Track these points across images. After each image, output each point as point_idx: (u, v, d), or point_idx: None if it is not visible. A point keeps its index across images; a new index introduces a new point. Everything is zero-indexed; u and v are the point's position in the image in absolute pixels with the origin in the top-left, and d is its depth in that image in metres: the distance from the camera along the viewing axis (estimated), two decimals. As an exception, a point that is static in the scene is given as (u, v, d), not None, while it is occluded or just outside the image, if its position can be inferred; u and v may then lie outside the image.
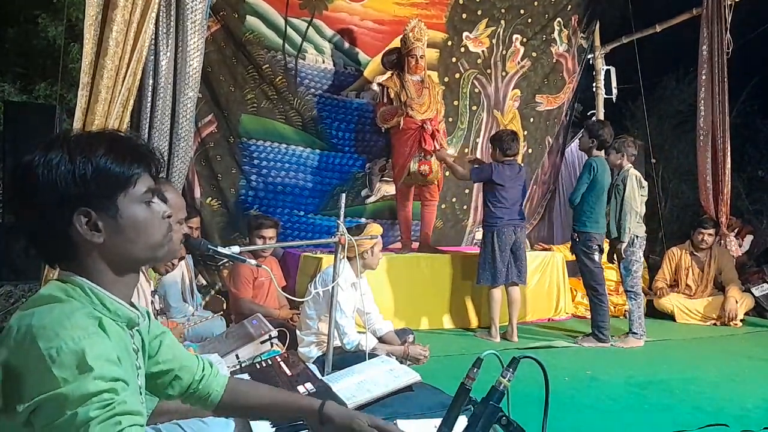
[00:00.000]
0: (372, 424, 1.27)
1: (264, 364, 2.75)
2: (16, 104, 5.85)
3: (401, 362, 3.15)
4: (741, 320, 5.37)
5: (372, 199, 6.18)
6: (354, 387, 2.55)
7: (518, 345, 4.45)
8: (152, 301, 3.57)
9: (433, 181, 5.44)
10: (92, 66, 3.19)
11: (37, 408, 0.91)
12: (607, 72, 7.53)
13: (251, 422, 1.96)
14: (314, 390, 2.42)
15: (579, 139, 4.91)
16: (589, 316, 4.72)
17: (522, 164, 6.80)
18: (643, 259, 4.80)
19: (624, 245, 4.54)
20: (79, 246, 1.05)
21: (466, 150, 6.63)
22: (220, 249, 2.07)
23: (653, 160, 6.59)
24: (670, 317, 5.55)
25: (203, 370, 1.34)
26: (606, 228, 4.62)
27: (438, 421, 1.30)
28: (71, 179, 1.02)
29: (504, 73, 6.80)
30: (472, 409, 1.28)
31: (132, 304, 1.13)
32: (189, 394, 1.33)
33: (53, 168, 1.01)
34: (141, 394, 1.11)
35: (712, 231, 5.67)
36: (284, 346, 3.24)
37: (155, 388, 1.30)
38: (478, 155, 6.61)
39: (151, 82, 3.61)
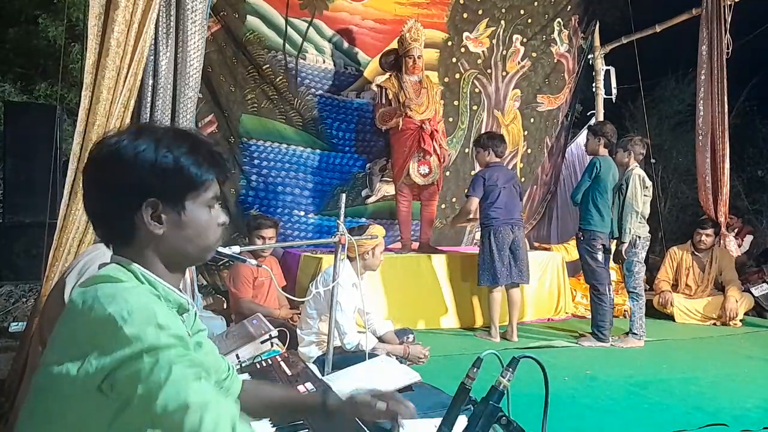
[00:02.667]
0: (375, 396, 1.29)
1: (264, 364, 2.75)
2: (16, 104, 5.85)
3: (401, 362, 3.16)
4: (740, 320, 5.38)
5: (372, 199, 6.19)
6: (354, 387, 2.54)
7: (518, 345, 4.45)
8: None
9: (433, 182, 5.44)
10: (95, 66, 3.19)
11: (117, 368, 0.93)
12: (607, 72, 7.53)
13: (251, 422, 1.97)
14: (314, 390, 2.42)
15: (585, 144, 4.89)
16: (589, 316, 4.73)
17: (521, 165, 6.88)
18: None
19: (625, 246, 4.53)
20: (139, 233, 1.09)
21: (467, 150, 6.64)
22: (220, 249, 2.07)
23: (653, 160, 6.58)
24: (669, 317, 5.55)
25: (227, 371, 1.37)
26: (611, 227, 4.61)
27: (438, 421, 1.29)
28: (150, 169, 1.05)
29: (504, 73, 6.81)
30: (472, 408, 1.28)
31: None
32: None
33: (138, 154, 1.05)
34: None
35: (710, 231, 5.66)
36: (284, 345, 3.24)
37: None
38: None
39: (151, 82, 3.60)
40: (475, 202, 4.77)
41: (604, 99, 7.59)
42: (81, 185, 1.12)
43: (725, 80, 6.02)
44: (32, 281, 5.10)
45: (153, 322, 0.95)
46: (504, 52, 6.76)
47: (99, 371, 0.93)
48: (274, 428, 2.04)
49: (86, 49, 3.19)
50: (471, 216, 4.89)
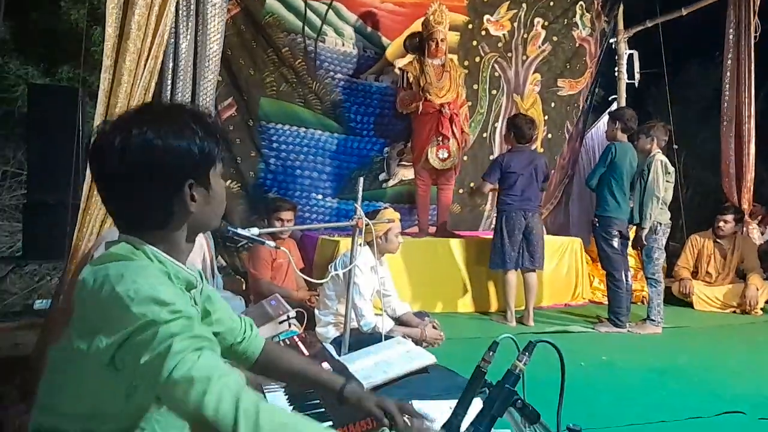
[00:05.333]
0: (379, 404, 1.30)
1: (282, 344, 2.79)
2: (39, 87, 5.92)
3: (417, 344, 3.18)
4: (761, 308, 5.31)
5: (390, 183, 6.18)
6: (370, 367, 2.57)
7: (534, 329, 4.46)
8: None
9: (451, 166, 5.42)
10: (114, 49, 3.22)
11: (124, 343, 0.97)
12: (630, 56, 7.40)
13: (267, 395, 2.02)
14: (330, 370, 2.45)
15: (606, 131, 4.86)
16: (607, 302, 4.71)
17: (541, 150, 6.80)
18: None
19: (645, 232, 4.50)
20: (174, 215, 1.13)
21: (485, 134, 6.59)
22: (240, 231, 2.10)
23: (675, 147, 6.48)
24: (687, 304, 5.50)
25: (244, 332, 1.41)
26: (630, 214, 4.59)
27: (453, 403, 1.30)
28: (186, 153, 1.10)
29: (524, 57, 6.72)
30: (488, 392, 1.29)
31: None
32: (230, 352, 1.40)
33: (170, 141, 1.08)
34: None
35: (730, 218, 5.59)
36: (302, 326, 3.28)
37: None
38: (497, 140, 6.57)
39: (171, 65, 3.63)
40: (487, 186, 4.83)
41: (627, 84, 7.47)
42: (97, 179, 1.14)
43: (752, 65, 5.89)
44: (56, 260, 5.19)
45: (158, 299, 0.98)
46: (525, 36, 6.66)
47: (109, 347, 0.97)
48: (291, 406, 2.08)
49: (106, 32, 3.22)
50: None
